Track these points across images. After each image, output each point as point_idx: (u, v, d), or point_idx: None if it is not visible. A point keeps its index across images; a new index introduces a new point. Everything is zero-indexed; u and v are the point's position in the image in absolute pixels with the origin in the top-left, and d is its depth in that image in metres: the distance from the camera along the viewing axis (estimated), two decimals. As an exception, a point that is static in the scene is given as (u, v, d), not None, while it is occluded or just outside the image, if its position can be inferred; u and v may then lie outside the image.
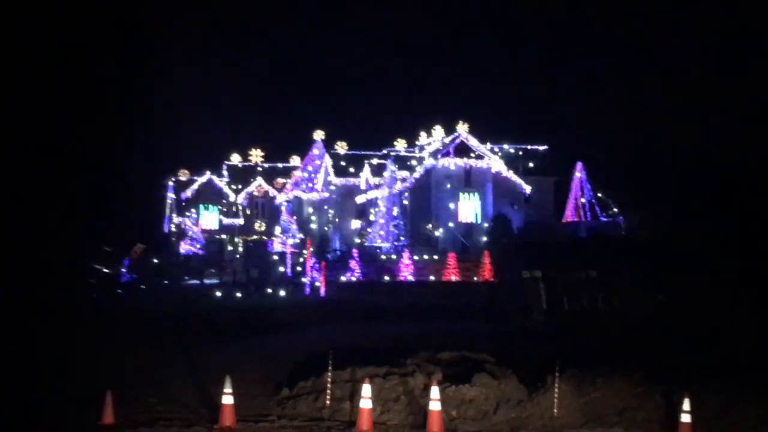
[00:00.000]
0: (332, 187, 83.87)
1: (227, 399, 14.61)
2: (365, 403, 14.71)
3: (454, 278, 59.89)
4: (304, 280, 59.62)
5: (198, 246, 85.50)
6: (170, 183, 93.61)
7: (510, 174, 75.46)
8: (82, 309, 42.56)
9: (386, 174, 73.67)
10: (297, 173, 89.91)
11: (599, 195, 77.55)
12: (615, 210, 74.44)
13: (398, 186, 73.05)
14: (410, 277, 60.27)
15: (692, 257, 34.54)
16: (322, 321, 39.95)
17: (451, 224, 72.28)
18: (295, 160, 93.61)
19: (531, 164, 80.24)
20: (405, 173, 76.50)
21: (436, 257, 65.62)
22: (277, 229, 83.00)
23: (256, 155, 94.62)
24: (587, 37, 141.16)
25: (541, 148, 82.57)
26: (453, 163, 72.87)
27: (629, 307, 36.80)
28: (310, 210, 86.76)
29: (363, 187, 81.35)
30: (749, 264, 32.73)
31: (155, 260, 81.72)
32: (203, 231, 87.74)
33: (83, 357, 25.20)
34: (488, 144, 76.89)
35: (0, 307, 36.92)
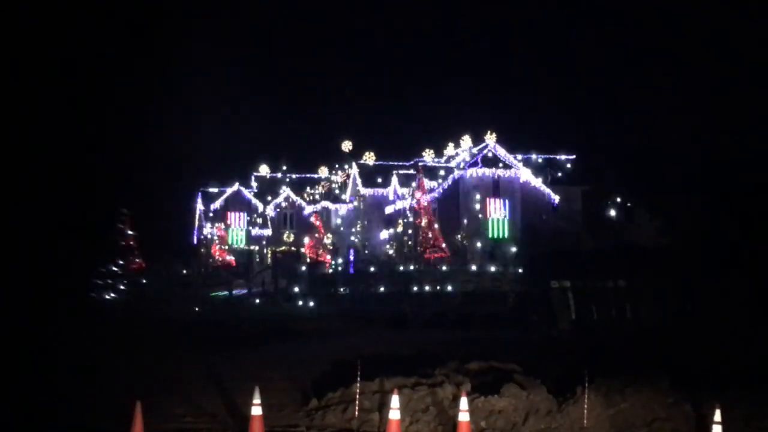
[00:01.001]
0: (360, 198, 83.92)
1: (256, 410, 14.60)
2: (394, 414, 14.67)
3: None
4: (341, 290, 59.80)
5: (227, 256, 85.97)
6: (199, 194, 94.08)
7: (538, 184, 75.31)
8: (108, 317, 42.92)
9: (414, 185, 73.69)
10: (325, 184, 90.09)
11: (627, 204, 77.18)
12: (643, 218, 74.02)
13: (426, 197, 73.04)
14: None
15: (714, 265, 34.33)
16: (348, 330, 40.04)
17: (479, 234, 72.14)
18: (323, 171, 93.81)
19: (559, 174, 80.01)
20: (433, 183, 76.46)
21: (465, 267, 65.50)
22: (306, 240, 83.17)
23: (284, 166, 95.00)
24: (617, 47, 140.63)
25: (569, 157, 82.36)
26: (481, 173, 72.78)
27: (656, 317, 36.63)
28: (339, 221, 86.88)
29: (391, 197, 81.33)
30: None
31: (184, 271, 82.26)
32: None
33: (109, 366, 25.36)
34: (516, 154, 76.74)
35: (32, 320, 37.32)
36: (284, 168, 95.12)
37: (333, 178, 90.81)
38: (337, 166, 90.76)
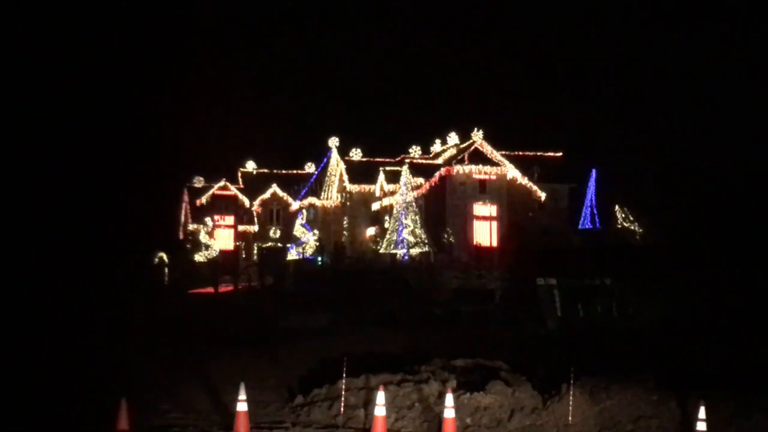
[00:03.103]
0: (347, 194, 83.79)
1: (241, 406, 14.58)
2: (379, 410, 14.66)
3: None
4: None
5: (213, 253, 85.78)
6: (185, 190, 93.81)
7: (525, 181, 75.22)
8: (92, 316, 42.77)
9: (401, 181, 73.57)
10: (312, 180, 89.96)
11: (614, 202, 77.37)
12: (629, 217, 74.22)
13: (413, 193, 72.95)
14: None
15: (701, 265, 34.45)
16: (335, 327, 39.97)
17: (465, 231, 72.06)
18: (309, 167, 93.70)
19: (546, 171, 79.92)
20: (420, 180, 76.30)
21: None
22: (292, 236, 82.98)
23: (271, 162, 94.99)
24: (603, 45, 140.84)
25: (556, 155, 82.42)
26: (468, 170, 72.66)
27: (642, 315, 36.75)
28: (325, 217, 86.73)
29: (378, 194, 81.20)
30: (759, 271, 32.60)
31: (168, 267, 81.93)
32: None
33: (95, 363, 25.25)
34: (503, 151, 76.64)
35: (17, 316, 37.19)
36: (271, 164, 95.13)
37: (319, 174, 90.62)
38: (323, 162, 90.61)
